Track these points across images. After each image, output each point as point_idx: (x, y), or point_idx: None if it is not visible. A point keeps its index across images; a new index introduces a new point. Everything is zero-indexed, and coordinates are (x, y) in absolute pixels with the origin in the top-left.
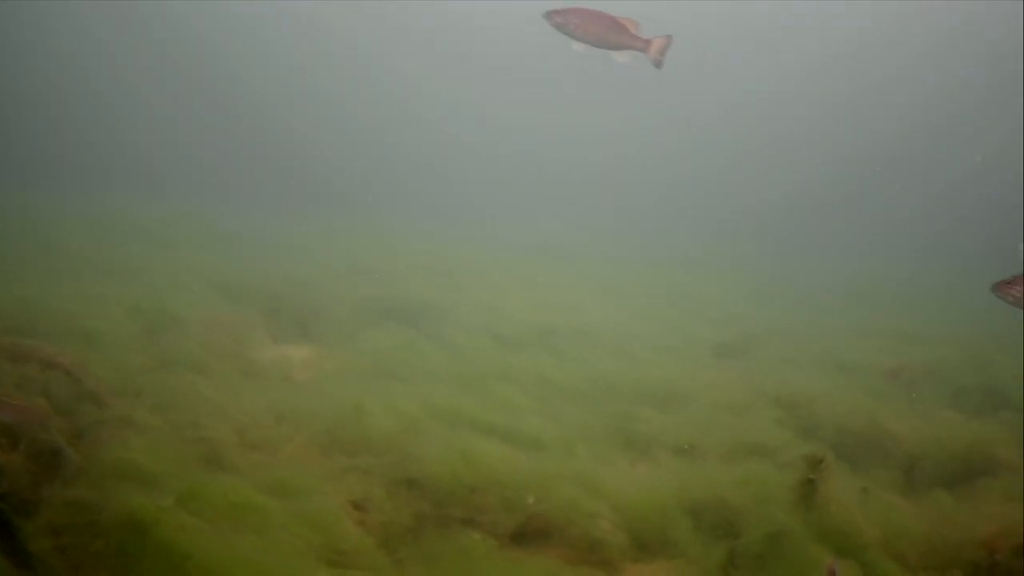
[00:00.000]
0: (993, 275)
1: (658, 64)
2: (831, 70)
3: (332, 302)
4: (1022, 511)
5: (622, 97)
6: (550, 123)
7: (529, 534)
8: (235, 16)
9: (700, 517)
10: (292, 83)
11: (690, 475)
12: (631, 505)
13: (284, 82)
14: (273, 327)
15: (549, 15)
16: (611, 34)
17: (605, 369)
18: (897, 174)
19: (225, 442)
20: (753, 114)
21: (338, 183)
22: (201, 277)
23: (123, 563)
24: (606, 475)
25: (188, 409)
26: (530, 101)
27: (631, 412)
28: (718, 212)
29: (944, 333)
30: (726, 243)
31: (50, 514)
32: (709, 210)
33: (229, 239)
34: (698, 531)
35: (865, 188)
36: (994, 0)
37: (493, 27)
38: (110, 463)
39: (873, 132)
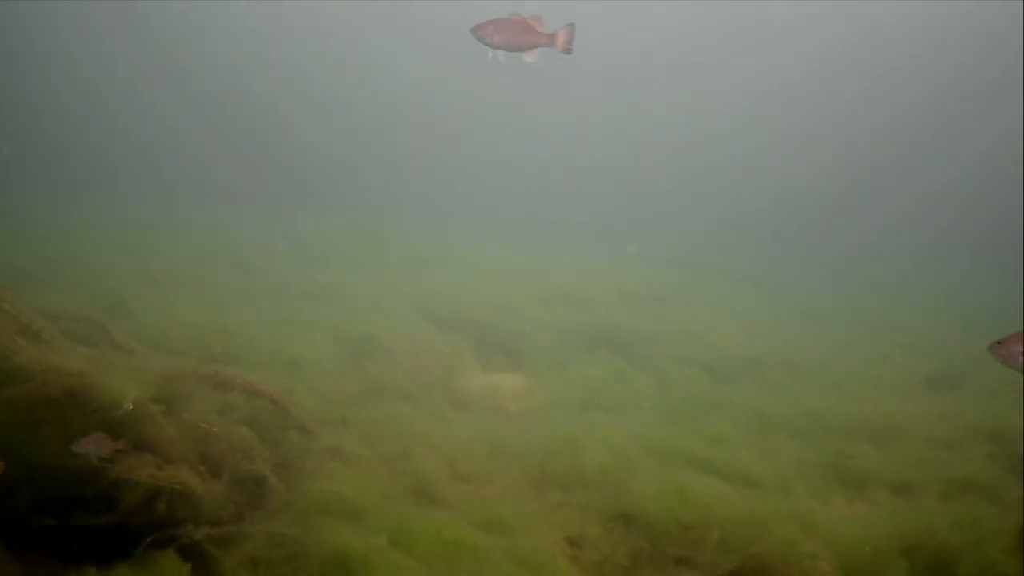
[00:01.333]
0: None
1: (568, 52)
2: (828, 71)
3: (536, 329)
4: None
5: (619, 98)
6: (570, 128)
7: (747, 575)
8: (250, 19)
9: (915, 558)
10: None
11: (905, 514)
12: (848, 546)
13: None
14: (480, 354)
15: (472, 30)
16: (521, 36)
17: (815, 401)
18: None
19: (435, 475)
20: (751, 114)
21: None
22: (402, 301)
23: None
24: (822, 514)
25: (396, 439)
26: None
27: (844, 448)
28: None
29: None
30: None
31: (251, 547)
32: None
33: (420, 260)
34: (913, 572)
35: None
36: (991, 0)
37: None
38: (315, 495)
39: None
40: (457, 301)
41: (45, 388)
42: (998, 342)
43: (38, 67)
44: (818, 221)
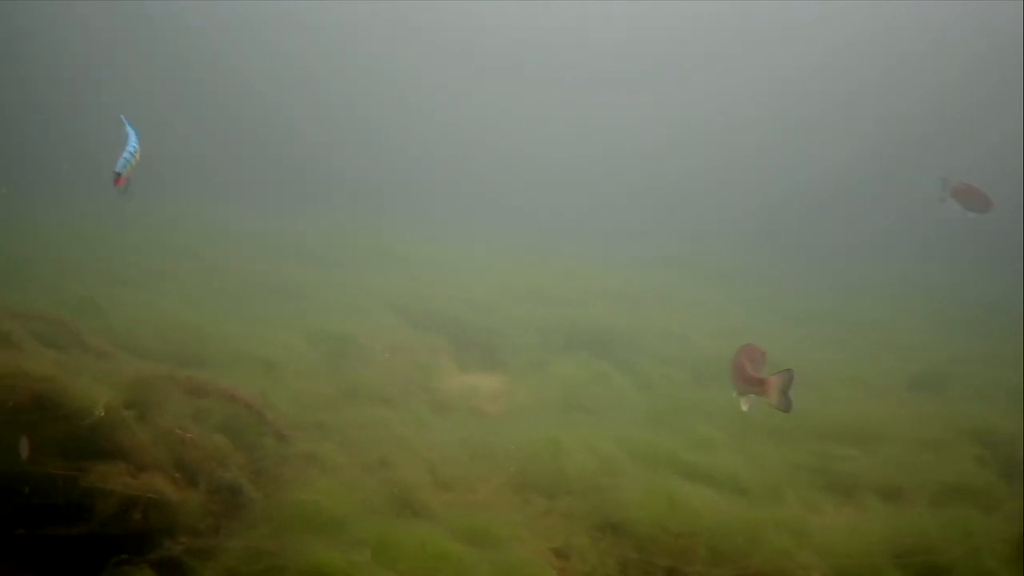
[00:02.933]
0: None
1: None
2: (825, 70)
3: (515, 328)
4: None
5: (611, 96)
6: (558, 125)
7: None
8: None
9: (908, 567)
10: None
11: (897, 521)
12: (841, 555)
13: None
14: (458, 354)
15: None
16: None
17: (800, 402)
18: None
19: (416, 483)
20: (747, 115)
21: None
22: (377, 299)
23: None
24: (813, 522)
25: (375, 445)
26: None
27: (831, 451)
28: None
29: None
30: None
31: (228, 560)
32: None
33: (392, 256)
34: None
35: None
36: (990, 0)
37: (496, 27)
38: (293, 505)
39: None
40: (435, 299)
41: (12, 394)
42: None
43: (31, 65)
44: (814, 221)
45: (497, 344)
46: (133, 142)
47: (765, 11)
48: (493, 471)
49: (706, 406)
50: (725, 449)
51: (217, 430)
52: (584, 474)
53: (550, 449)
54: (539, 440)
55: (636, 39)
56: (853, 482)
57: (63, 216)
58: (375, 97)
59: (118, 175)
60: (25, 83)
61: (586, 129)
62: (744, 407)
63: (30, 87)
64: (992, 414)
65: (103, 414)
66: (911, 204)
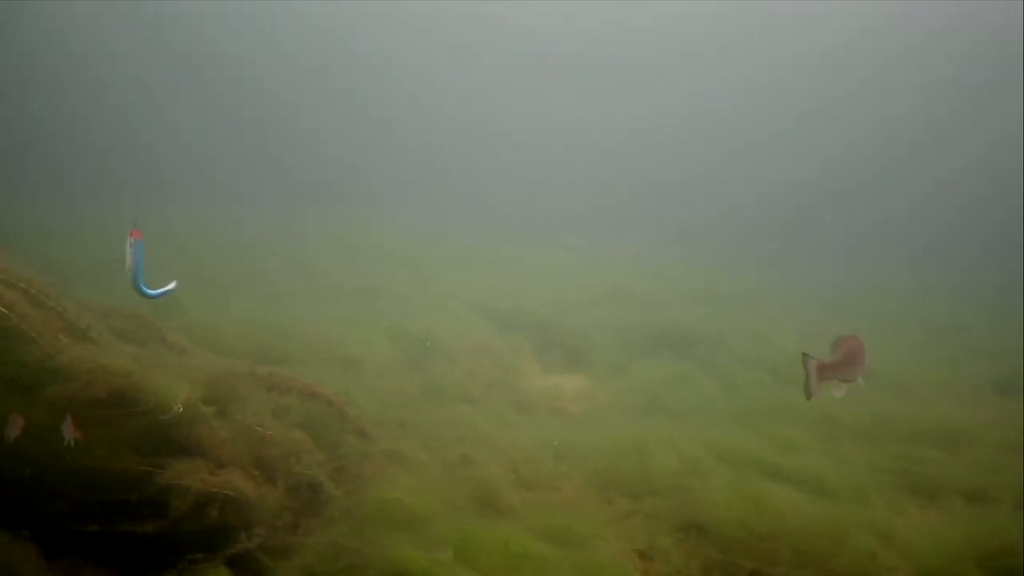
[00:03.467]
0: None
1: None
2: (821, 68)
3: (597, 329)
4: None
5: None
6: (582, 124)
7: None
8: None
9: (991, 569)
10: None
11: (980, 524)
12: (924, 557)
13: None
14: (541, 354)
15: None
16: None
17: (882, 404)
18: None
19: (499, 481)
20: (743, 113)
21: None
22: (459, 299)
23: None
24: (897, 524)
25: (457, 443)
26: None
27: (915, 453)
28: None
29: None
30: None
31: (307, 558)
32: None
33: (467, 259)
34: None
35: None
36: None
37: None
38: (374, 502)
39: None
40: (512, 300)
41: (89, 388)
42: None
43: (76, 72)
44: (833, 219)
45: (579, 345)
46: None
47: (764, 10)
48: (576, 470)
49: (790, 407)
50: (809, 451)
51: (297, 427)
52: (668, 474)
53: (634, 449)
54: (622, 440)
55: (651, 33)
56: (937, 484)
57: (134, 219)
58: (407, 100)
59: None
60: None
61: (608, 128)
62: (840, 394)
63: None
64: None
65: (181, 410)
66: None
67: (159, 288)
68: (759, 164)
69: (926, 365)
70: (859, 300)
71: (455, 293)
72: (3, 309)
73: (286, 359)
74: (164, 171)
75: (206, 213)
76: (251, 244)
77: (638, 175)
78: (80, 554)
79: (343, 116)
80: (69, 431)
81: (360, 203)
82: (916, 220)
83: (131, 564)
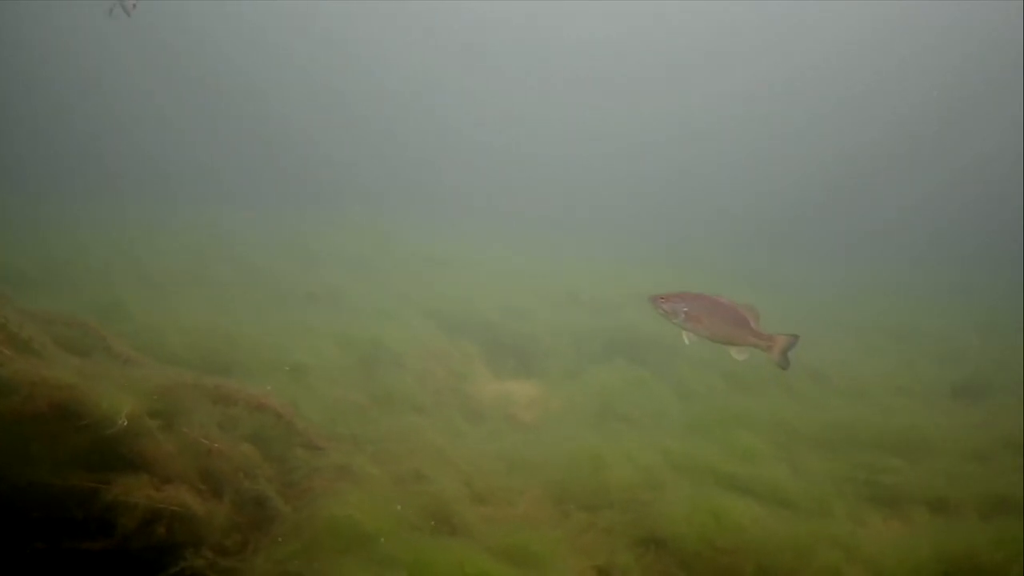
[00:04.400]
0: None
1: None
2: (823, 70)
3: (547, 333)
4: None
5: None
6: (567, 126)
7: None
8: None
9: None
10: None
11: (945, 535)
12: (890, 569)
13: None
14: (491, 360)
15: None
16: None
17: (841, 411)
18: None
19: (452, 496)
20: (741, 114)
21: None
22: (409, 303)
23: None
24: (861, 535)
25: (409, 456)
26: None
27: (876, 462)
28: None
29: None
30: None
31: None
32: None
33: (418, 258)
34: None
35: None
36: (987, 1)
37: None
38: (324, 519)
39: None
40: (465, 304)
41: (32, 402)
42: (660, 297)
43: (39, 69)
44: (820, 221)
45: (530, 349)
46: None
47: (764, 11)
48: (531, 483)
49: (747, 415)
50: (769, 460)
51: (245, 440)
52: (625, 486)
53: (590, 460)
54: (578, 451)
55: (648, 37)
56: (900, 494)
57: (89, 220)
58: (388, 99)
59: None
60: (36, 86)
61: (592, 130)
62: (739, 356)
63: (41, 90)
64: None
65: (126, 423)
66: (918, 200)
67: None
68: (757, 165)
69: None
70: (828, 301)
71: (407, 296)
72: None
73: (234, 367)
74: (117, 169)
75: (157, 213)
76: (201, 247)
77: (623, 177)
78: (25, 574)
79: (308, 114)
80: None
81: (317, 205)
82: (915, 220)
83: None
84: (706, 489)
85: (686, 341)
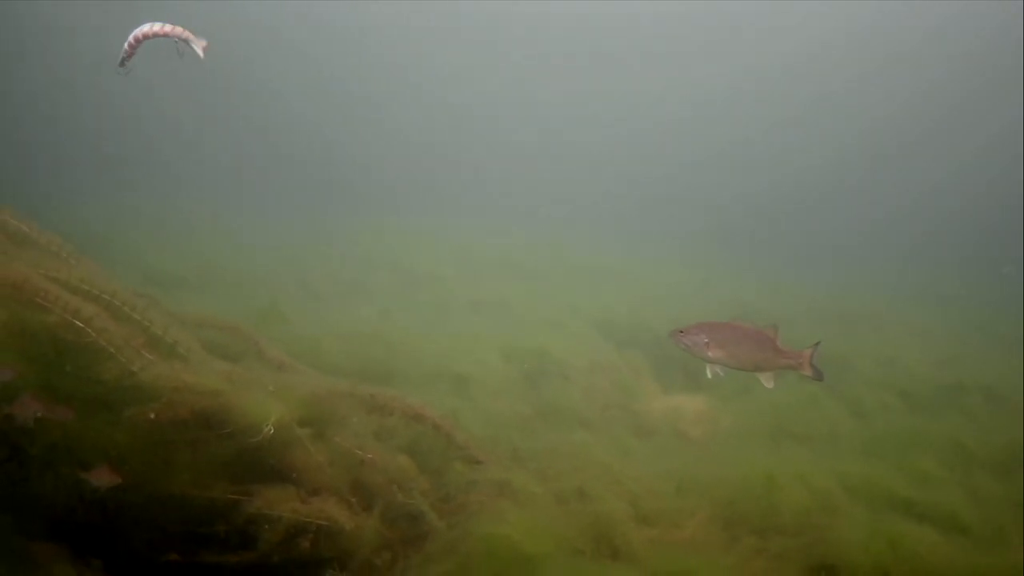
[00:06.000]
0: None
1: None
2: (815, 66)
3: None
4: None
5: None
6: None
7: None
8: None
9: None
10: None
11: None
12: None
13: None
14: (659, 373)
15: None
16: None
17: (1017, 432)
18: None
19: (617, 517)
20: (737, 110)
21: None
22: (576, 314)
23: None
24: None
25: (572, 473)
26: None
27: None
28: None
29: None
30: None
31: None
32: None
33: (588, 271)
34: None
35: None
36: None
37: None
38: (480, 538)
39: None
40: (631, 315)
41: (172, 408)
42: (680, 331)
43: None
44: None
45: (699, 364)
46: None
47: (759, 8)
48: (700, 504)
49: (922, 435)
50: (945, 483)
51: (401, 451)
52: (798, 510)
53: (761, 481)
54: (748, 471)
55: (643, 26)
56: None
57: (250, 228)
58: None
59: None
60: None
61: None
62: (768, 384)
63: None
64: None
65: (272, 432)
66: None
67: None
68: (757, 165)
69: None
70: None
71: (571, 306)
72: (79, 323)
73: (392, 376)
74: (283, 180)
75: (319, 224)
76: (359, 254)
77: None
78: None
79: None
80: (102, 477)
81: (440, 211)
82: (913, 220)
83: None
84: (881, 514)
85: (709, 375)
